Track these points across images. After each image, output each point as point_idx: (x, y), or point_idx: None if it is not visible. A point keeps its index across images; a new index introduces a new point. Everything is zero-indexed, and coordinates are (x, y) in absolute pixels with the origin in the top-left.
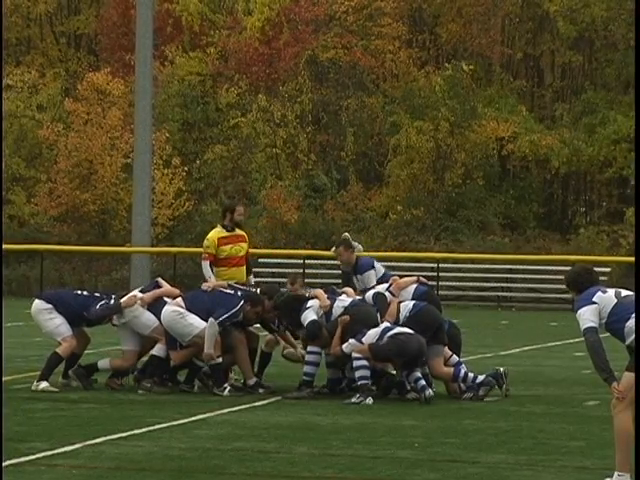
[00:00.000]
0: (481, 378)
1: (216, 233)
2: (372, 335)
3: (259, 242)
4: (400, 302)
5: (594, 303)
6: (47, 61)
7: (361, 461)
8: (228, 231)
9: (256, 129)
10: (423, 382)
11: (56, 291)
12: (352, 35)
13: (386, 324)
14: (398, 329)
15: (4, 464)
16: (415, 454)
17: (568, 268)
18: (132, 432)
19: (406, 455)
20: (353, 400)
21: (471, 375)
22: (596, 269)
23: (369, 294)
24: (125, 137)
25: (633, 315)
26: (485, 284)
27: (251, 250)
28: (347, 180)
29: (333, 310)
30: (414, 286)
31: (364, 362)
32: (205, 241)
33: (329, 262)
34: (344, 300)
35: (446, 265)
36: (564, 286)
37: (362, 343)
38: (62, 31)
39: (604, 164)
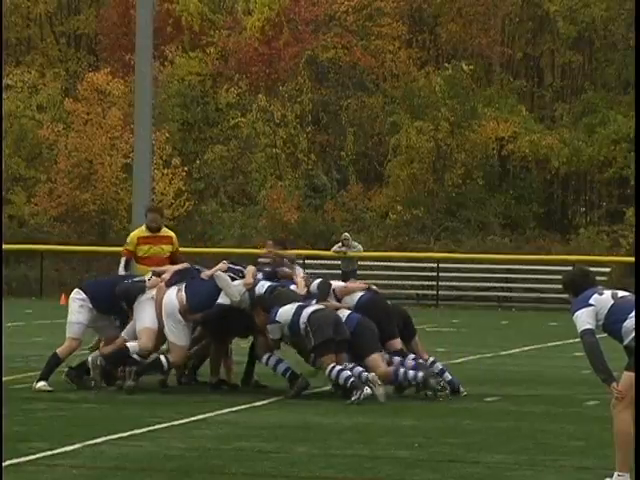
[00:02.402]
0: (420, 376)
1: (138, 232)
2: (287, 311)
3: (259, 242)
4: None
5: (591, 305)
6: (47, 61)
7: (361, 461)
8: (151, 232)
9: (256, 129)
10: (365, 374)
11: (96, 280)
12: (352, 35)
13: (300, 304)
14: (315, 307)
15: (4, 464)
16: (415, 454)
17: (568, 268)
18: (132, 432)
19: (406, 455)
20: (353, 399)
21: (411, 373)
22: (596, 269)
23: (315, 282)
24: (125, 137)
25: (630, 315)
26: (485, 284)
27: (251, 250)
28: (347, 180)
29: (256, 289)
30: (360, 293)
31: (336, 367)
32: (127, 237)
33: (329, 262)
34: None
35: (446, 265)
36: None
37: (277, 321)
38: (62, 31)
39: (604, 164)
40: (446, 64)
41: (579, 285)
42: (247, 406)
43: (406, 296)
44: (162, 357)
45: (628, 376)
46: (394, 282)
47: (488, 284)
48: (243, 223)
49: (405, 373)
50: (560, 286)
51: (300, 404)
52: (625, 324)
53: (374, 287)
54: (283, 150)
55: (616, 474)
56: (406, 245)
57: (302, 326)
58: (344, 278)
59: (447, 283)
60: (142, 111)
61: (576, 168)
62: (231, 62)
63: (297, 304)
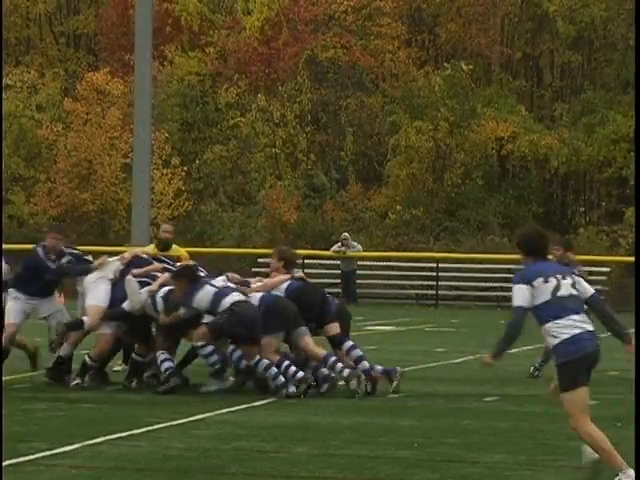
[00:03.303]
0: (347, 372)
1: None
2: (204, 297)
3: (258, 242)
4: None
5: (532, 286)
6: (46, 61)
7: (360, 461)
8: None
9: (255, 129)
10: (298, 373)
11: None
12: (351, 35)
13: (219, 290)
14: (235, 297)
15: (4, 464)
16: (414, 454)
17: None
18: (131, 432)
19: (405, 455)
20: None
21: (339, 366)
22: (595, 269)
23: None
24: (124, 137)
25: (557, 321)
26: (484, 284)
27: (251, 250)
28: (346, 180)
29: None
30: (287, 283)
31: (264, 361)
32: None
33: (328, 262)
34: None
35: (445, 265)
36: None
37: (193, 307)
38: (61, 31)
39: (603, 164)
40: (445, 64)
41: (534, 246)
42: (246, 406)
43: (405, 296)
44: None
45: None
46: (394, 282)
47: (487, 284)
48: (242, 223)
49: (336, 362)
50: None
51: (299, 404)
52: (546, 326)
53: (300, 274)
54: (282, 150)
55: (620, 475)
56: (405, 245)
57: (219, 313)
58: (344, 278)
59: (446, 283)
60: (141, 111)
61: (575, 168)
62: (230, 62)
63: (215, 290)
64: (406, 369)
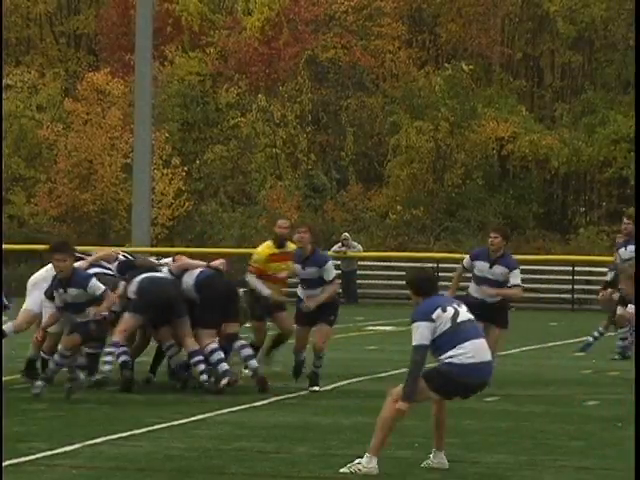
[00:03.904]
0: (225, 367)
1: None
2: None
3: (259, 242)
4: None
5: (432, 321)
6: (47, 61)
7: None
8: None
9: (256, 129)
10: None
11: None
12: (352, 35)
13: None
14: (149, 275)
15: (4, 464)
16: (415, 454)
17: (568, 268)
18: (132, 432)
19: (406, 455)
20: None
21: (201, 367)
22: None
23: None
24: (125, 137)
25: (460, 346)
26: None
27: (252, 250)
28: (347, 180)
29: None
30: (199, 270)
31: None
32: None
33: None
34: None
35: (446, 265)
36: (565, 286)
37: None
38: (62, 31)
39: (604, 164)
40: (446, 64)
41: (423, 287)
42: (247, 406)
43: (406, 296)
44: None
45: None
46: (394, 282)
47: None
48: (243, 223)
49: (219, 362)
50: (560, 286)
51: (300, 404)
52: (448, 354)
53: (219, 265)
54: (283, 150)
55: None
56: (406, 245)
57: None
58: (344, 278)
59: (447, 283)
60: (142, 111)
61: (576, 168)
62: (231, 62)
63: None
64: (405, 369)
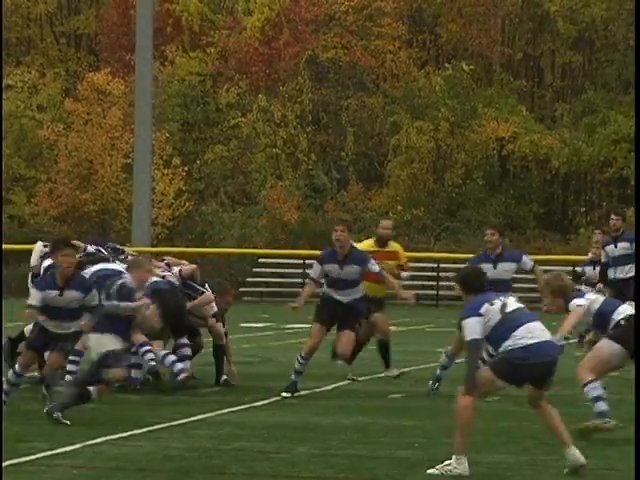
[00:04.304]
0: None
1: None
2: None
3: (259, 242)
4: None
5: (481, 315)
6: (47, 61)
7: (361, 461)
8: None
9: (256, 129)
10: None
11: None
12: (352, 35)
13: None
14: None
15: (4, 464)
16: (415, 454)
17: (569, 268)
18: (132, 432)
19: (406, 455)
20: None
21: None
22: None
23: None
24: (125, 137)
25: (512, 336)
26: None
27: (252, 250)
28: (347, 180)
29: None
30: (154, 280)
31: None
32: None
33: None
34: None
35: (446, 265)
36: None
37: None
38: (62, 31)
39: (604, 164)
40: (446, 64)
41: (473, 285)
42: (247, 406)
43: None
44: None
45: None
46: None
47: None
48: (243, 223)
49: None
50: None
51: (300, 404)
52: (507, 343)
53: (189, 271)
54: (283, 150)
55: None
56: (406, 245)
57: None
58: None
59: (447, 283)
60: (142, 111)
61: (576, 168)
62: (231, 62)
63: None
64: (407, 369)
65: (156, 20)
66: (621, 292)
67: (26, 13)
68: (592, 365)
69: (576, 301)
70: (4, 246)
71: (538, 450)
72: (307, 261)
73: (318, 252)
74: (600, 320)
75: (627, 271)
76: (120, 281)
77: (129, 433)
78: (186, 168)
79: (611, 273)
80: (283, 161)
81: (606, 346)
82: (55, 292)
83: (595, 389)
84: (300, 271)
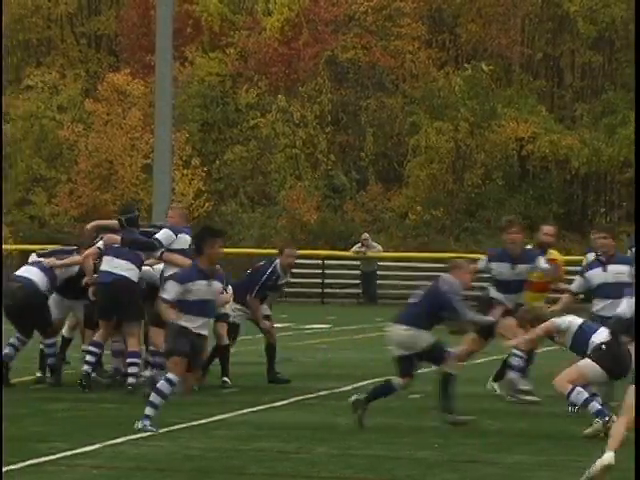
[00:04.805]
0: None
1: None
2: None
3: (278, 242)
4: None
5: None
6: (67, 62)
7: (380, 461)
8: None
9: (275, 129)
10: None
11: None
12: (371, 35)
13: None
14: None
15: (24, 464)
16: (435, 455)
17: None
18: (152, 433)
19: (425, 456)
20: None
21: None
22: None
23: None
24: (145, 138)
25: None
26: None
27: (271, 250)
28: (366, 180)
29: None
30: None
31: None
32: None
33: (348, 262)
34: None
35: None
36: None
37: None
38: (82, 32)
39: (624, 164)
40: (466, 64)
41: None
42: (266, 406)
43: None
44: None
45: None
46: (413, 283)
47: None
48: (263, 223)
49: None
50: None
51: (319, 404)
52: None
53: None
54: (302, 150)
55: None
56: (426, 245)
57: None
58: (364, 279)
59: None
60: (162, 112)
61: (596, 168)
62: (251, 62)
63: None
64: (426, 370)
65: (176, 21)
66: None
67: (47, 14)
68: (572, 379)
69: (556, 319)
70: (26, 246)
71: (556, 451)
72: (326, 261)
73: (337, 252)
74: (578, 343)
75: None
76: None
77: (149, 433)
78: (205, 168)
79: None
80: (302, 161)
81: (590, 366)
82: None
83: (580, 393)
84: (319, 271)
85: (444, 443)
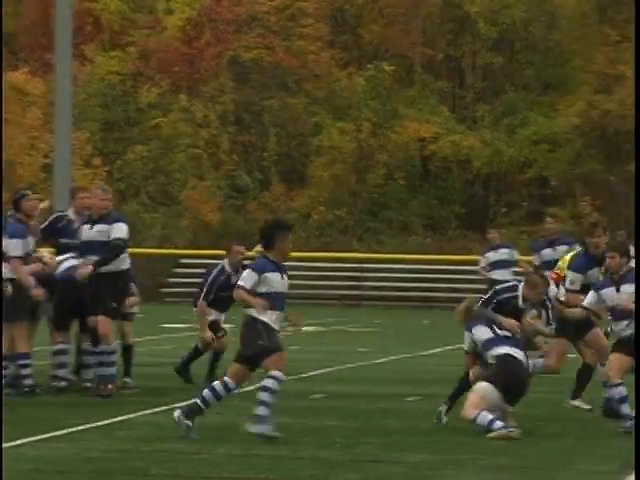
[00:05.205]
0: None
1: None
2: None
3: (181, 243)
4: None
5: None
6: None
7: (283, 462)
8: None
9: (177, 129)
10: None
11: None
12: (274, 35)
13: None
14: None
15: None
16: (337, 454)
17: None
18: (52, 434)
19: (328, 455)
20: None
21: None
22: (516, 269)
23: None
24: (45, 137)
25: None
26: (407, 284)
27: (173, 250)
28: (269, 180)
29: None
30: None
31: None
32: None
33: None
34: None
35: (369, 265)
36: (485, 286)
37: None
38: None
39: (525, 165)
40: (368, 65)
41: None
42: (168, 407)
43: (329, 296)
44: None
45: None
46: (317, 282)
47: (410, 284)
48: (165, 223)
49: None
50: (482, 286)
51: (222, 405)
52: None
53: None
54: (205, 150)
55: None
56: (329, 245)
57: None
58: None
59: (370, 283)
60: (62, 111)
61: (497, 169)
62: (152, 61)
63: None
64: (329, 369)
65: (76, 19)
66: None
67: None
68: (475, 404)
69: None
70: None
71: (459, 449)
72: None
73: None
74: (481, 354)
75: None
76: None
77: (49, 435)
78: (107, 168)
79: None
80: (205, 161)
81: (482, 388)
82: (278, 274)
83: (485, 416)
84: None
85: (347, 443)
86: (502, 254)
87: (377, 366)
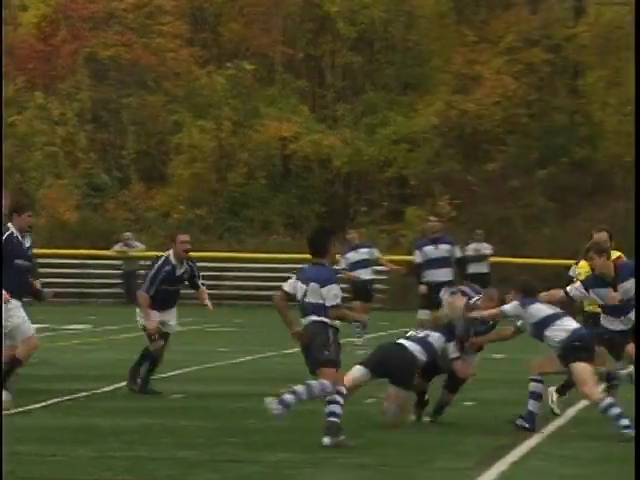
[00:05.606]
0: None
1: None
2: None
3: (37, 242)
4: None
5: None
6: None
7: (141, 462)
8: None
9: (33, 127)
10: None
11: None
12: (133, 33)
13: None
14: None
15: None
16: (196, 454)
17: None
18: None
19: (187, 455)
20: None
21: None
22: (376, 268)
23: None
24: None
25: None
26: (268, 283)
27: (36, 250)
28: (128, 179)
29: None
30: None
31: None
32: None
33: (110, 262)
34: None
35: (229, 265)
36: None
37: None
38: None
39: (385, 164)
40: (228, 63)
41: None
42: (23, 409)
43: (189, 296)
44: None
45: None
46: None
47: (271, 283)
48: None
49: None
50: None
51: (78, 406)
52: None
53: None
54: (62, 148)
55: None
56: (190, 245)
57: None
58: (125, 278)
59: (231, 282)
60: None
61: (357, 168)
62: (7, 58)
63: None
64: (188, 369)
65: None
66: (438, 293)
67: None
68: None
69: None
70: None
71: (319, 448)
72: (87, 261)
73: (99, 252)
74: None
75: (445, 274)
76: None
77: None
78: None
79: (428, 275)
80: (62, 159)
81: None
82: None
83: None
84: (79, 271)
85: (206, 442)
86: (362, 254)
87: (236, 365)
